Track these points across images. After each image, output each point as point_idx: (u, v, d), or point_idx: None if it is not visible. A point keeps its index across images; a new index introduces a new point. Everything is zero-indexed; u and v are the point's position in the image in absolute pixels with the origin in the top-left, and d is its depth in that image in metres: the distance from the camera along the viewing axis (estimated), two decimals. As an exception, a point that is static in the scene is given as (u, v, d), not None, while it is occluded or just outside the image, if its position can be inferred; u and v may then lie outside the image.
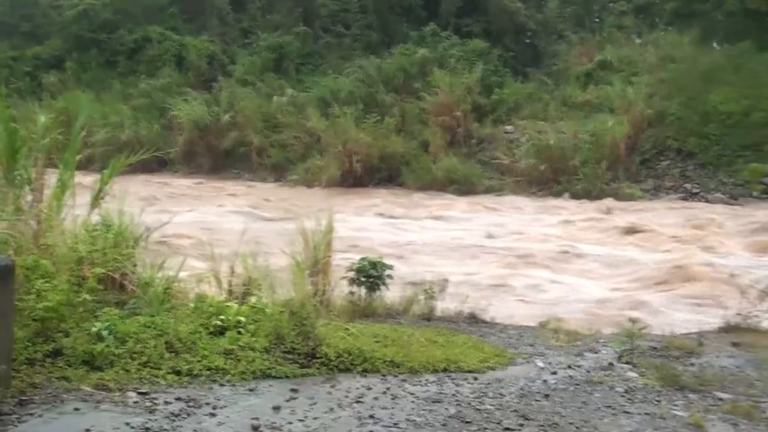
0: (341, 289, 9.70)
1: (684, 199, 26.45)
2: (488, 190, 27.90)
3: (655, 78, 30.88)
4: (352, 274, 9.78)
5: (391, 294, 9.98)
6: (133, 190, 10.73)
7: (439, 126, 30.69)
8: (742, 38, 32.10)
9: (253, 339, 7.05)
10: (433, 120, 30.96)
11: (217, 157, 32.91)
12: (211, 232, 17.40)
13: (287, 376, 6.70)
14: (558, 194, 26.78)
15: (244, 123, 32.73)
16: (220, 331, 7.14)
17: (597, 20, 39.59)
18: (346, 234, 16.60)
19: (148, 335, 6.69)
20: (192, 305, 7.72)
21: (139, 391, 6.04)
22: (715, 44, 37.36)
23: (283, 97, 33.88)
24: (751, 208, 24.45)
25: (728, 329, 9.68)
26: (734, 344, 8.91)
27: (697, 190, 26.89)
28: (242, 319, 7.31)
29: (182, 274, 8.43)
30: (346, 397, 6.37)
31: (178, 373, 6.43)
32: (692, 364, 7.96)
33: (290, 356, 6.94)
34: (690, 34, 34.36)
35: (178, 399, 5.98)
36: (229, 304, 7.74)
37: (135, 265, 7.89)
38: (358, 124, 30.34)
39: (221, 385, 6.40)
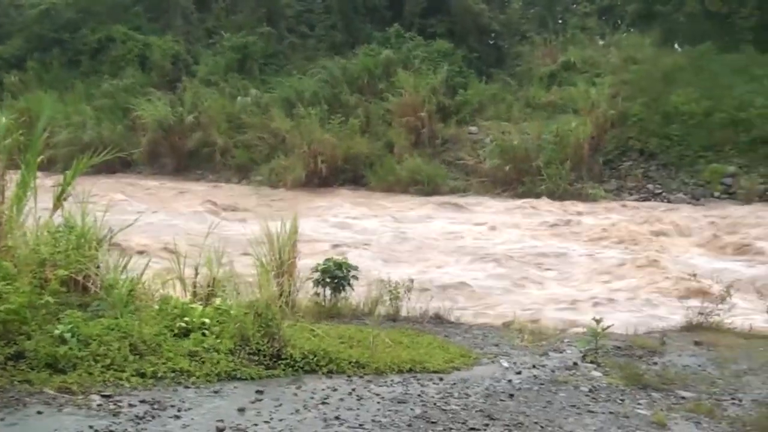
0: (306, 291, 9.69)
1: (646, 199, 26.70)
2: (453, 191, 27.95)
3: (617, 79, 31.13)
4: (317, 275, 9.77)
5: (357, 295, 9.99)
6: (96, 191, 10.63)
7: (403, 127, 30.70)
8: (703, 39, 32.52)
9: (218, 341, 7.02)
10: (398, 121, 30.96)
11: (181, 157, 32.65)
12: (176, 233, 17.29)
13: (252, 378, 6.69)
14: (522, 195, 26.86)
15: (208, 123, 32.51)
16: (185, 333, 7.10)
17: (560, 21, 39.78)
18: (312, 234, 16.63)
19: (111, 337, 6.64)
20: (156, 307, 7.67)
21: (102, 393, 5.99)
22: (676, 45, 37.84)
23: (247, 98, 33.69)
24: (712, 208, 24.75)
25: (690, 328, 9.79)
26: (696, 343, 9.02)
27: (659, 191, 27.16)
28: (207, 320, 7.28)
29: (146, 276, 8.38)
30: (312, 398, 6.37)
31: (142, 375, 6.39)
32: (655, 363, 8.05)
33: (255, 358, 6.93)
34: (652, 35, 34.74)
35: (143, 401, 5.95)
36: (193, 305, 7.70)
37: (98, 267, 7.83)
38: (323, 124, 30.28)
39: (186, 387, 6.37)
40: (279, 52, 38.44)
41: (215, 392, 6.34)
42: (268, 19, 39.30)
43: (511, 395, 6.77)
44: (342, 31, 38.88)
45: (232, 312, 7.46)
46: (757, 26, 35.46)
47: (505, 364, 7.82)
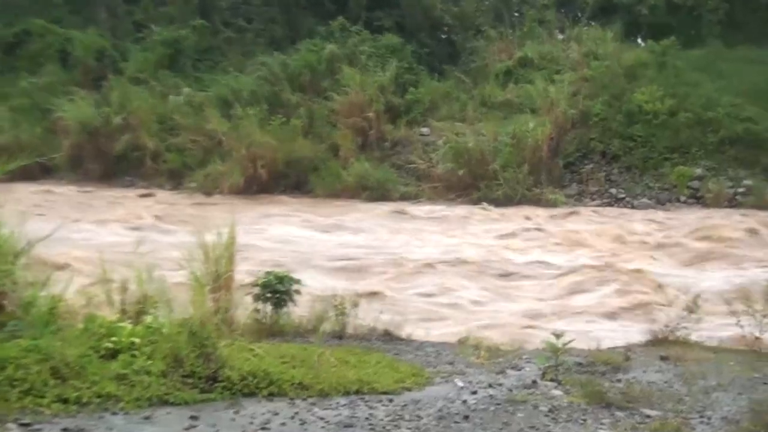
0: (245, 307, 9.65)
1: (609, 204, 27.03)
2: (403, 197, 27.98)
3: (578, 75, 31.45)
4: (256, 289, 9.73)
5: (300, 310, 9.97)
6: (13, 199, 10.51)
7: (349, 128, 30.68)
8: (667, 34, 32.99)
9: (149, 362, 6.97)
10: (343, 122, 30.94)
11: (108, 162, 32.25)
12: (101, 245, 17.11)
13: (186, 402, 6.65)
14: (477, 201, 27.01)
15: (137, 125, 32.15)
16: (112, 355, 7.04)
17: (517, 14, 40.02)
18: (251, 245, 16.55)
19: (30, 360, 6.55)
20: (80, 326, 7.59)
21: (20, 422, 5.92)
22: (639, 40, 38.39)
23: (179, 97, 33.46)
24: (678, 214, 25.13)
25: (656, 342, 9.91)
26: (662, 358, 9.12)
27: (622, 195, 27.50)
28: (137, 340, 7.22)
29: (69, 293, 8.29)
30: (251, 423, 6.35)
31: (65, 401, 6.31)
32: (619, 380, 8.13)
33: (190, 380, 6.88)
34: (613, 29, 35.14)
35: (65, 430, 5.89)
36: (121, 324, 7.64)
37: (15, 283, 7.72)
38: (263, 126, 30.11)
39: (113, 413, 6.31)
40: (214, 48, 38.22)
41: (146, 418, 6.29)
42: (201, 11, 39.09)
43: (466, 417, 6.80)
44: (282, 25, 38.83)
45: (164, 331, 7.41)
46: (724, 20, 36.13)
47: (460, 384, 7.85)
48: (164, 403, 6.58)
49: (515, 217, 24.29)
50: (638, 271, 16.49)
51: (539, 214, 24.84)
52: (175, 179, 30.98)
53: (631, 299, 14.28)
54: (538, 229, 22.28)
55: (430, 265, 17.00)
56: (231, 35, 38.72)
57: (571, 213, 25.32)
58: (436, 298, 14.53)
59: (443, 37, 40.07)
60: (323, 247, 19.38)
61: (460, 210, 25.85)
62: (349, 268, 17.10)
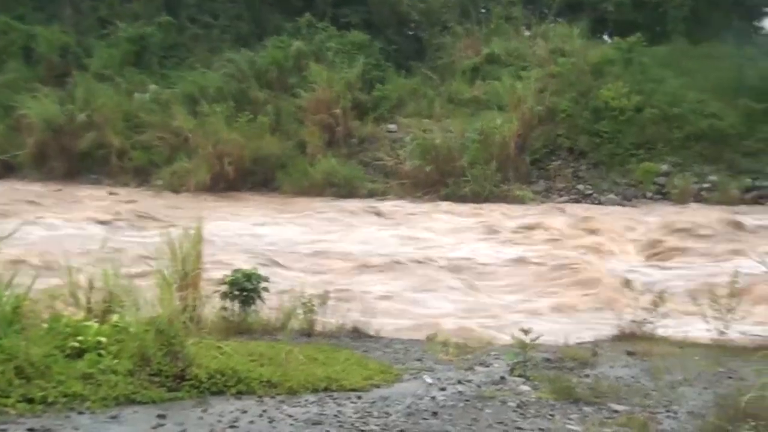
0: (213, 305, 9.61)
1: (577, 201, 27.20)
2: (371, 194, 28.01)
3: (544, 72, 31.60)
4: (224, 287, 9.70)
5: (268, 308, 9.94)
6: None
7: (316, 125, 30.68)
8: (633, 30, 33.23)
9: (116, 361, 6.91)
10: (311, 118, 30.92)
11: (73, 160, 32.00)
12: (67, 244, 17.00)
13: (154, 401, 6.60)
14: (445, 197, 27.08)
15: (102, 122, 31.93)
16: (78, 354, 6.97)
17: (483, 11, 40.02)
18: (218, 243, 16.49)
19: (-6, 360, 6.50)
20: (45, 325, 7.52)
21: (-15, 422, 5.86)
22: (605, 36, 38.64)
23: (145, 94, 33.29)
24: (644, 210, 25.34)
25: (623, 337, 9.97)
26: (629, 353, 9.19)
27: (590, 192, 27.69)
28: (103, 339, 7.16)
29: (34, 292, 8.21)
30: (219, 421, 6.32)
31: (30, 401, 6.25)
32: (587, 375, 8.17)
33: (157, 379, 6.84)
34: (580, 25, 35.33)
35: (31, 430, 5.83)
36: (87, 323, 7.57)
37: (-22, 283, 7.65)
38: (229, 123, 30.05)
39: (80, 413, 6.25)
40: (180, 44, 38.01)
41: (112, 418, 6.24)
42: (167, 7, 38.82)
43: (435, 413, 6.80)
44: (249, 21, 38.66)
45: (130, 329, 7.35)
46: (689, 16, 36.44)
47: (429, 380, 7.86)
48: (131, 402, 6.53)
49: (480, 213, 24.35)
50: (604, 266, 16.61)
51: (507, 209, 24.92)
52: (141, 177, 30.82)
53: (598, 295, 14.37)
54: (505, 226, 22.35)
55: (394, 263, 17.05)
56: (197, 32, 38.51)
57: (539, 209, 25.44)
58: (399, 296, 14.55)
59: (410, 33, 40.08)
60: (288, 244, 19.35)
61: (426, 206, 25.89)
62: (314, 265, 17.11)
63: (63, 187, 29.67)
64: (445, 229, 22.18)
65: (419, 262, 17.29)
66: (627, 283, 12.59)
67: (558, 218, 23.74)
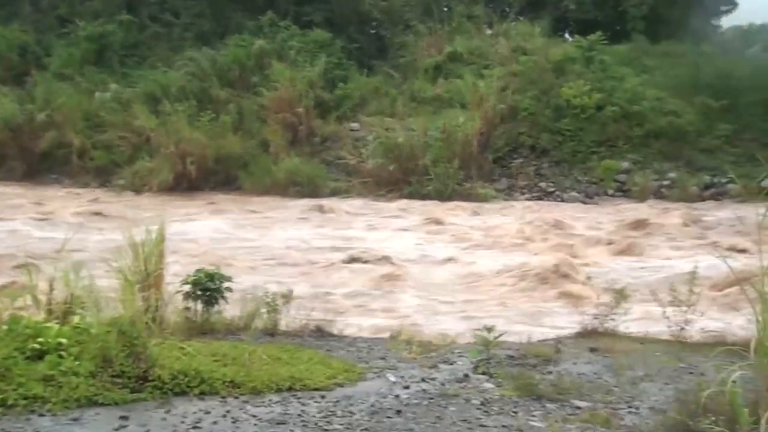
0: (176, 305, 9.54)
1: (539, 198, 27.37)
2: (334, 193, 27.99)
3: (506, 70, 31.78)
4: (187, 287, 9.64)
5: (231, 308, 9.89)
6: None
7: (279, 124, 30.62)
8: (594, 29, 33.49)
9: (77, 363, 6.85)
10: (273, 117, 30.86)
11: (32, 160, 31.66)
12: (27, 245, 16.87)
13: (116, 403, 6.55)
14: (408, 196, 27.10)
15: (62, 122, 31.62)
16: (39, 356, 6.90)
17: (445, 9, 40.14)
18: (181, 243, 16.40)
19: (-46, 363, 6.42)
20: (5, 327, 7.44)
21: (-55, 426, 5.79)
22: (566, 35, 38.88)
23: (106, 93, 33.05)
24: (606, 207, 25.54)
25: (585, 334, 10.02)
26: (592, 350, 9.24)
27: (552, 189, 27.87)
28: (64, 340, 7.10)
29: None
30: (182, 422, 6.28)
31: (-10, 404, 6.20)
32: (550, 372, 8.21)
33: (119, 380, 6.79)
34: (541, 24, 35.58)
35: (-9, 433, 5.78)
36: (48, 324, 7.50)
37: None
38: (191, 122, 29.93)
39: (41, 415, 6.19)
40: (141, 43, 37.76)
41: (74, 420, 6.19)
42: (127, 5, 38.54)
43: (399, 411, 6.81)
44: (210, 20, 38.47)
45: (92, 330, 7.29)
46: (648, 15, 36.78)
47: (392, 379, 7.85)
48: (93, 403, 6.48)
49: (442, 212, 24.40)
50: (567, 263, 16.68)
51: (470, 208, 24.98)
52: (103, 177, 30.57)
53: (561, 291, 14.45)
54: (469, 224, 22.42)
55: (351, 261, 17.07)
56: (158, 30, 38.26)
57: (501, 207, 25.57)
58: (363, 295, 14.56)
59: (372, 32, 40.10)
60: (250, 244, 19.29)
61: (388, 205, 25.91)
62: (277, 265, 17.07)
63: (21, 188, 29.32)
64: (409, 227, 22.20)
65: (368, 260, 17.32)
66: (589, 280, 12.69)
67: (519, 216, 23.85)
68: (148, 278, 9.06)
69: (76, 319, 7.89)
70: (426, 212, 24.26)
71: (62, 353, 6.95)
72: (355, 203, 26.33)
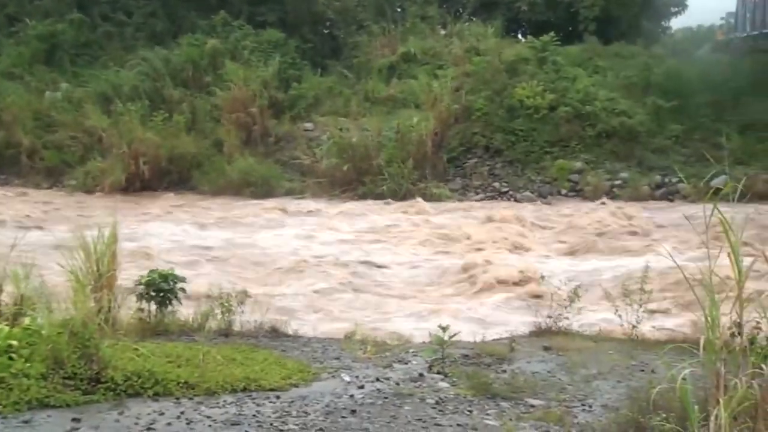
0: (129, 306, 9.46)
1: (493, 198, 27.48)
2: (288, 193, 27.89)
3: (460, 71, 31.89)
4: (140, 288, 9.56)
5: (185, 309, 9.84)
6: None
7: (233, 124, 30.46)
8: (547, 29, 33.71)
9: (28, 365, 6.78)
10: (227, 117, 30.70)
11: (-20, 160, 31.26)
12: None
13: (68, 405, 6.50)
14: (362, 196, 27.10)
15: (11, 122, 31.18)
16: (-12, 358, 6.83)
17: (399, 10, 40.16)
18: (133, 244, 16.28)
19: None
20: (-46, 330, 7.34)
21: None
22: (519, 35, 39.11)
23: (56, 93, 32.67)
24: (559, 207, 25.72)
25: (539, 333, 10.11)
26: (545, 348, 9.31)
27: (506, 189, 28.00)
28: (14, 343, 7.02)
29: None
30: (136, 424, 6.25)
31: (-61, 407, 6.11)
32: (504, 371, 8.27)
33: (71, 382, 6.73)
34: (494, 24, 35.74)
35: (-60, 437, 5.70)
36: (-3, 327, 7.42)
37: None
38: (144, 122, 29.69)
39: (-9, 418, 6.13)
40: (92, 42, 37.34)
41: (25, 422, 6.13)
42: (78, 4, 38.09)
43: (354, 411, 6.82)
44: (163, 19, 38.17)
45: (43, 332, 7.22)
46: (600, 16, 37.12)
47: (347, 379, 7.86)
48: (44, 406, 6.42)
49: (394, 212, 24.44)
50: (520, 263, 16.79)
51: (423, 208, 25.02)
52: (53, 177, 30.19)
53: (515, 291, 14.54)
54: (421, 224, 22.46)
55: (301, 263, 17.08)
56: (110, 29, 37.85)
57: (455, 207, 25.64)
58: (319, 293, 14.57)
59: (326, 32, 40.00)
60: (201, 244, 19.20)
61: (341, 205, 25.88)
62: (228, 265, 17.02)
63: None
64: (361, 228, 22.21)
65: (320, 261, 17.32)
66: (542, 279, 12.76)
67: (471, 214, 23.95)
68: (101, 279, 8.98)
69: (26, 320, 7.80)
70: (375, 213, 24.32)
71: (12, 355, 6.88)
72: (309, 204, 26.23)
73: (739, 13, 38.34)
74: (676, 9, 44.56)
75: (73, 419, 6.23)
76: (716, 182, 9.74)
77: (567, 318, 10.00)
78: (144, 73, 33.09)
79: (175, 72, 33.17)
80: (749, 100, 29.54)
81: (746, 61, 32.87)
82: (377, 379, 7.84)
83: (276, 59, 33.09)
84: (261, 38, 35.12)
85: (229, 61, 32.60)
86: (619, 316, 9.56)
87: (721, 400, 4.85)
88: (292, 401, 7.05)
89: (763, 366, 4.99)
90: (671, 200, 26.63)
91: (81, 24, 37.09)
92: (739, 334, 5.22)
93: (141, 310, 9.57)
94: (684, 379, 4.99)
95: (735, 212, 5.22)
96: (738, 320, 5.20)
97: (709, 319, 5.11)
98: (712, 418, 4.82)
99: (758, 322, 5.50)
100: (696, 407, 5.01)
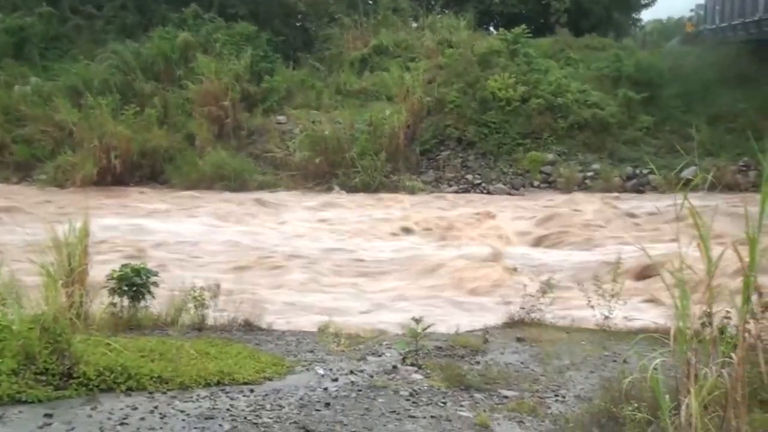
0: (101, 301, 9.41)
1: (466, 190, 27.58)
2: (261, 186, 27.85)
3: (432, 63, 31.98)
4: (112, 282, 9.51)
5: (158, 303, 9.80)
6: None
7: (205, 117, 30.35)
8: (518, 22, 33.83)
9: (-1, 360, 6.74)
10: (199, 110, 30.58)
11: (-51, 155, 30.96)
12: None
13: (40, 401, 6.44)
14: (335, 189, 27.11)
15: (-21, 116, 30.99)
16: (-41, 355, 6.78)
17: (371, 2, 40.18)
18: (106, 238, 16.19)
19: None
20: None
21: None
22: (491, 28, 39.21)
23: (26, 87, 32.41)
24: (532, 198, 25.83)
25: (512, 324, 10.14)
26: (519, 339, 9.35)
27: (478, 181, 28.11)
28: (-16, 339, 6.97)
29: None
30: (109, 419, 6.21)
31: None
32: (478, 363, 8.29)
33: (43, 378, 6.68)
34: (466, 17, 35.82)
35: None
36: (-32, 322, 7.35)
37: None
38: (115, 115, 29.51)
39: (-38, 415, 6.08)
40: (62, 35, 37.09)
41: (-4, 419, 6.09)
42: (47, -3, 37.84)
43: (328, 404, 6.82)
44: (133, 12, 37.96)
45: (14, 328, 7.16)
46: (571, 8, 37.32)
47: (321, 371, 7.86)
48: (16, 402, 6.37)
49: (367, 205, 24.46)
50: (493, 254, 16.84)
51: (396, 200, 25.06)
52: (23, 171, 29.96)
53: (488, 282, 14.57)
54: (395, 217, 22.48)
55: (273, 255, 17.07)
56: (80, 22, 37.60)
57: (428, 199, 25.69)
58: (288, 284, 14.56)
59: (297, 24, 39.97)
60: (174, 238, 19.13)
61: (314, 198, 25.88)
62: (201, 260, 16.98)
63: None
64: (335, 221, 22.20)
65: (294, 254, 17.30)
66: (515, 271, 12.82)
67: (447, 207, 24.00)
68: (72, 274, 8.92)
69: (-4, 316, 7.74)
70: (346, 205, 24.35)
71: (-18, 351, 6.82)
72: (282, 196, 26.20)
73: (708, 5, 38.60)
74: (647, 1, 44.98)
75: (45, 415, 6.19)
76: (686, 173, 9.81)
77: (540, 309, 10.05)
78: (115, 66, 32.88)
79: (147, 65, 33.01)
80: (718, 92, 29.83)
81: (715, 53, 33.14)
82: (351, 372, 7.84)
83: (248, 52, 32.98)
84: (233, 31, 34.99)
85: (200, 55, 32.47)
86: (592, 306, 9.61)
87: (691, 390, 4.90)
88: (266, 395, 7.04)
89: (733, 355, 5.03)
90: (642, 191, 26.84)
91: (50, 17, 36.82)
92: (709, 324, 5.27)
93: (113, 304, 9.52)
94: (655, 369, 5.04)
95: (705, 203, 5.26)
96: (708, 310, 5.25)
97: (679, 308, 5.15)
98: (683, 407, 4.87)
99: (728, 312, 5.56)
100: (667, 397, 5.06)
